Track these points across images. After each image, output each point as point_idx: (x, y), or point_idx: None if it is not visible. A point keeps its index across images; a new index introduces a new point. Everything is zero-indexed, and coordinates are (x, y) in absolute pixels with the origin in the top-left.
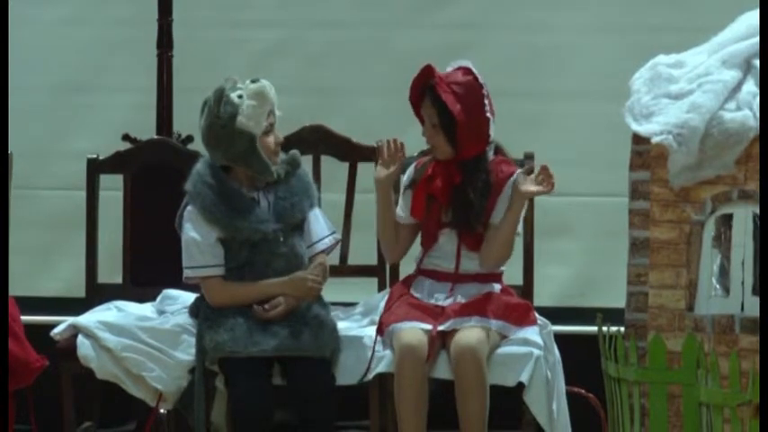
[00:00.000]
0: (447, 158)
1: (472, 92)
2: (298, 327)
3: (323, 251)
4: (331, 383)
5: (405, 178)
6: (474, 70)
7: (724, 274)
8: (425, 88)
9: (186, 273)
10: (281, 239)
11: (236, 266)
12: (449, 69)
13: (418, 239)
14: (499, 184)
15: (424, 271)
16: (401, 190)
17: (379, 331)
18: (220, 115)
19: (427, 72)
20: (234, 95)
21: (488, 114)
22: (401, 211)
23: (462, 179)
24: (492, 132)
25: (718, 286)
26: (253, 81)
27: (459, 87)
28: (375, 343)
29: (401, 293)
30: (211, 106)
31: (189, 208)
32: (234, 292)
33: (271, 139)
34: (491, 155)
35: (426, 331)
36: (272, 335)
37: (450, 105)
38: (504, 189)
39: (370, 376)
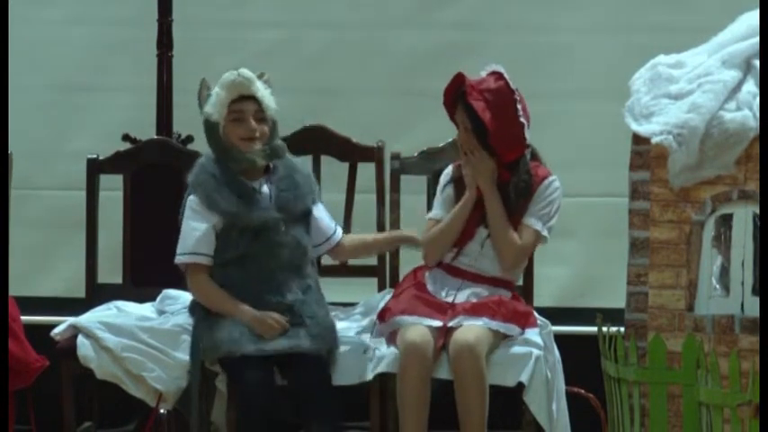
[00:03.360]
0: None
1: (503, 98)
2: (296, 326)
3: (340, 240)
4: (327, 382)
5: (442, 177)
6: (505, 75)
7: (724, 274)
8: (458, 95)
9: (177, 258)
10: (283, 229)
11: (237, 256)
12: (482, 74)
13: None
14: (534, 187)
15: (444, 265)
16: (439, 189)
17: (382, 317)
18: (201, 108)
19: (458, 80)
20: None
21: (522, 119)
22: (440, 209)
23: (510, 178)
24: (528, 136)
25: (718, 286)
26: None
27: (491, 94)
28: (374, 331)
29: (413, 282)
30: None
31: (191, 197)
32: (210, 293)
33: (239, 129)
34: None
35: (432, 328)
36: None
37: (481, 113)
38: (535, 193)
39: (370, 376)
